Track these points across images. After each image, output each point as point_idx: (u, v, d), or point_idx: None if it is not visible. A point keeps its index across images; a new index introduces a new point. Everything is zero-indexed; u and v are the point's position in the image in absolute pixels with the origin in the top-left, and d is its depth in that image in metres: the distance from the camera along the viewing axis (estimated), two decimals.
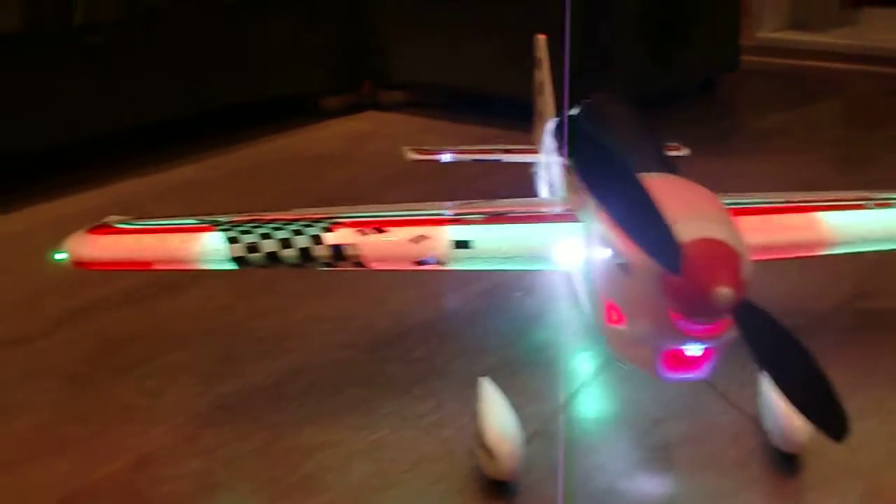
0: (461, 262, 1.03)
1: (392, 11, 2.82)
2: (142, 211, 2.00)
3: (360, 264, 1.03)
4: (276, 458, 1.12)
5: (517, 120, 1.94)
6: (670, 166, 1.03)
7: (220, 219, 1.10)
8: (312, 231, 1.05)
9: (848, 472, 1.05)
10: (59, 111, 2.23)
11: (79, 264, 1.05)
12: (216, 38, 2.54)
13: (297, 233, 1.05)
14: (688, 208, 0.84)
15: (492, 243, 1.03)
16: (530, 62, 2.54)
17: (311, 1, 2.72)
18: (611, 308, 0.89)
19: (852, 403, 0.80)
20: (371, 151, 2.45)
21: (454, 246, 1.03)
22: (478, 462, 1.05)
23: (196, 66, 2.50)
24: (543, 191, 1.52)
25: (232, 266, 1.04)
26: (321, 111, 2.83)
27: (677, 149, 1.82)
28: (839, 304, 1.49)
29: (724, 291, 0.76)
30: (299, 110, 2.80)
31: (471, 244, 1.02)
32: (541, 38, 1.88)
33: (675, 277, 0.78)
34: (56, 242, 1.06)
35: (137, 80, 2.38)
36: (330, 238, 1.04)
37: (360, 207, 1.18)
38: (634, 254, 0.82)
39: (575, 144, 0.78)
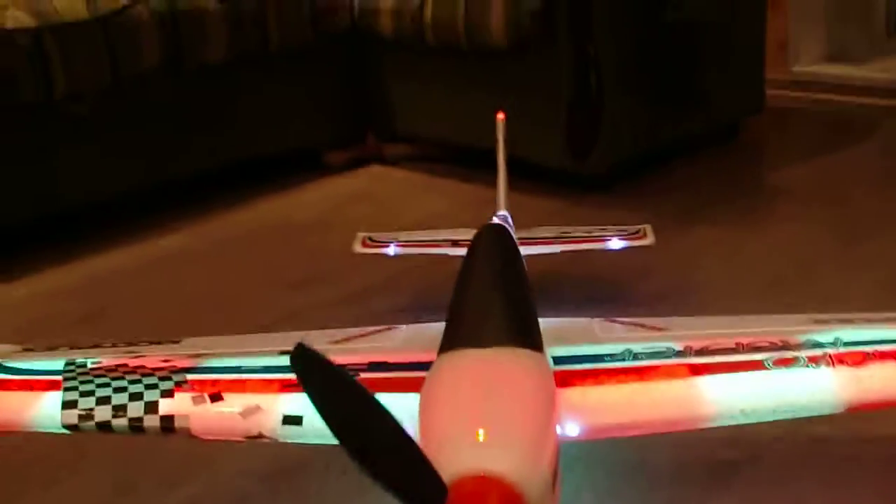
0: (292, 439, 0.96)
1: (394, 64, 2.77)
2: (116, 290, 2.05)
3: (192, 436, 0.99)
4: None
5: (519, 178, 1.90)
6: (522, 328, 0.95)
7: (80, 362, 1.08)
8: (153, 394, 1.01)
9: None
10: (40, 182, 2.24)
11: None
12: (208, 98, 2.53)
13: (137, 397, 1.01)
14: (473, 421, 0.76)
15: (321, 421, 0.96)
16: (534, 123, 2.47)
17: (308, 55, 2.68)
18: None
19: None
20: (354, 218, 2.39)
21: (283, 422, 0.96)
22: None
23: (189, 127, 2.49)
24: None
25: (66, 431, 1.01)
26: (325, 166, 2.79)
27: (640, 237, 1.71)
28: None
29: None
30: (303, 166, 2.76)
31: (303, 420, 0.96)
32: (499, 117, 1.80)
33: None
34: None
35: (126, 147, 2.38)
36: (164, 407, 0.99)
37: (238, 343, 1.17)
38: None
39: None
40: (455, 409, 0.80)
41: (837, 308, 1.68)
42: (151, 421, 0.99)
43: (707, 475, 1.22)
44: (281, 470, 1.32)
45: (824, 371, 0.97)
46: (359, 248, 1.74)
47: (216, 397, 1.00)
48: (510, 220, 1.60)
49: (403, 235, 1.79)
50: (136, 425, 0.99)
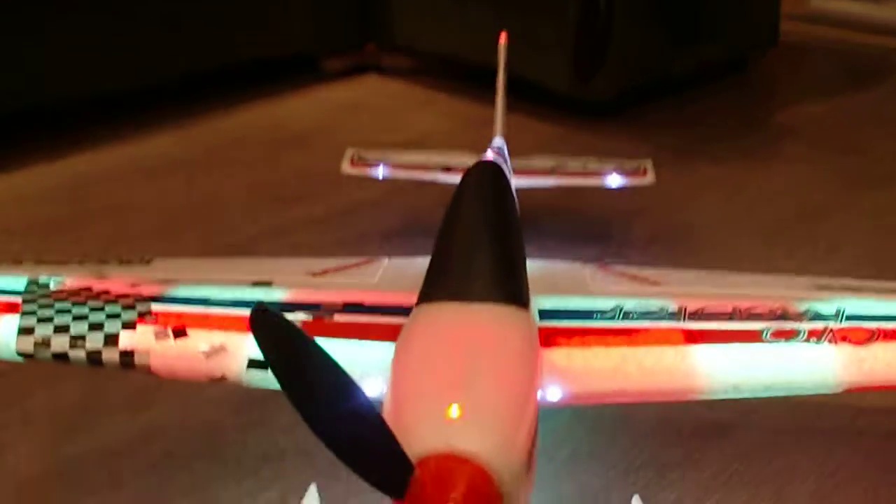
0: (256, 384, 0.91)
1: None
2: (96, 196, 1.97)
3: (151, 373, 0.93)
4: None
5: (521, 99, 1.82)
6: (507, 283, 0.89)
7: (43, 281, 1.04)
8: (114, 325, 0.96)
9: None
10: (22, 74, 2.15)
11: None
12: None
13: (97, 327, 0.95)
14: (445, 392, 0.71)
15: None
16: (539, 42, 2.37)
17: None
18: None
19: None
20: (347, 131, 2.31)
21: (248, 366, 0.91)
22: None
23: (181, 23, 2.38)
24: None
25: (19, 359, 0.95)
26: (321, 73, 2.70)
27: (640, 175, 1.63)
28: None
29: None
30: (298, 71, 2.66)
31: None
32: (501, 39, 1.71)
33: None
34: None
35: (114, 42, 2.28)
36: (124, 340, 0.94)
37: (210, 268, 1.16)
38: None
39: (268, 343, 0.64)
40: (428, 375, 0.74)
41: (836, 258, 1.65)
42: (110, 354, 0.93)
43: (693, 435, 1.18)
44: (250, 399, 1.28)
45: (825, 348, 0.91)
46: (347, 168, 1.66)
47: (180, 332, 0.95)
48: (506, 150, 1.53)
49: (394, 156, 1.71)
50: (94, 358, 0.93)
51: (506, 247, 0.96)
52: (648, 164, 1.68)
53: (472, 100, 2.44)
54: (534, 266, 1.06)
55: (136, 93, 2.37)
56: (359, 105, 2.53)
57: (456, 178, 1.58)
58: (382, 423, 0.64)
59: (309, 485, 0.95)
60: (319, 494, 0.89)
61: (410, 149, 2.14)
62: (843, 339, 0.92)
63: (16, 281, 1.05)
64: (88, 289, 1.04)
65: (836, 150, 2.19)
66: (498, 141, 1.54)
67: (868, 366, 0.90)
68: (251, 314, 0.62)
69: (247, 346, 0.92)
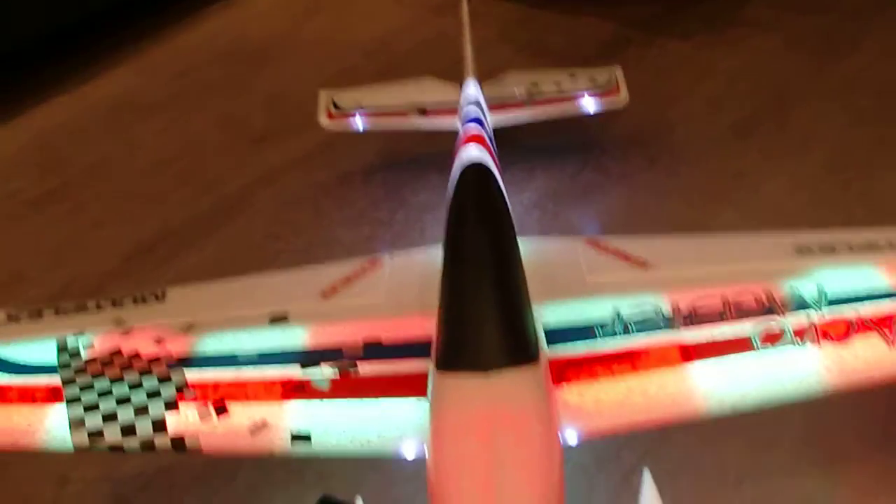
0: (302, 454, 1.00)
1: None
2: (65, 157, 1.95)
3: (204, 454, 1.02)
4: None
5: None
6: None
7: (72, 347, 1.11)
8: (158, 406, 1.03)
9: None
10: None
11: None
12: None
13: (142, 412, 1.03)
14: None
15: (333, 437, 0.99)
16: None
17: None
18: None
19: None
20: (310, 39, 2.27)
21: (292, 440, 0.99)
22: None
23: None
24: None
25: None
26: None
27: (613, 92, 1.66)
28: None
29: None
30: None
31: (311, 438, 0.99)
32: None
33: None
34: None
35: None
36: (172, 425, 1.02)
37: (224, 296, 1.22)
38: None
39: None
40: (462, 485, 0.82)
41: (809, 153, 1.71)
42: (162, 441, 1.01)
43: None
44: None
45: (810, 351, 1.00)
46: (324, 121, 1.68)
47: (221, 409, 1.02)
48: (482, 97, 1.55)
49: (368, 97, 1.72)
50: (147, 446, 1.01)
51: (512, 292, 1.02)
52: (619, 73, 1.70)
53: None
54: (529, 251, 1.12)
55: (74, 29, 2.28)
56: (314, 5, 2.46)
57: (432, 122, 1.63)
58: None
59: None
60: None
61: (376, 55, 2.15)
62: (825, 335, 1.01)
63: (46, 348, 1.12)
64: (119, 352, 1.11)
65: (800, 9, 2.18)
66: (472, 90, 1.56)
67: (850, 366, 0.99)
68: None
69: (287, 419, 1.00)
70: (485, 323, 0.97)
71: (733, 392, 0.98)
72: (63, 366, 1.10)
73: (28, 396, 1.07)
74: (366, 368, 1.05)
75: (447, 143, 1.46)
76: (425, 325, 1.07)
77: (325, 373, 1.04)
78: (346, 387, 1.03)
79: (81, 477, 1.27)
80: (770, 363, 1.00)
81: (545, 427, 0.89)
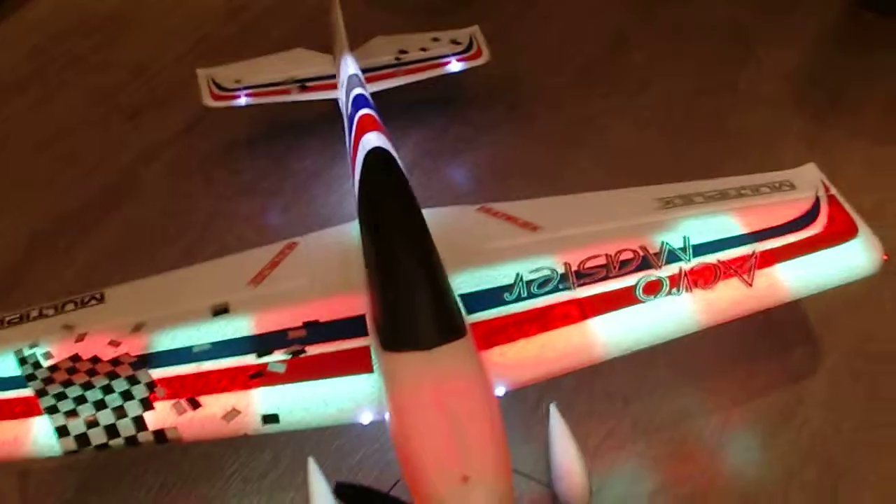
0: (273, 432, 1.15)
1: None
2: None
3: (186, 443, 1.15)
4: None
5: None
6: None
7: (31, 358, 1.21)
8: (134, 407, 1.15)
9: None
10: None
11: None
12: None
13: (121, 413, 1.15)
14: (462, 451, 0.98)
15: (299, 415, 1.14)
16: None
17: None
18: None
19: None
20: (157, 6, 2.30)
21: (263, 421, 1.14)
22: None
23: None
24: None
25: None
26: None
27: (477, 55, 1.82)
28: None
29: None
30: None
31: (279, 418, 1.14)
32: None
33: None
34: None
35: None
36: (151, 421, 1.14)
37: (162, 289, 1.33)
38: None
39: None
40: (431, 447, 1.00)
41: (647, 96, 1.92)
42: (146, 437, 1.13)
43: None
44: None
45: (684, 298, 1.23)
46: (209, 101, 1.76)
47: (194, 403, 1.15)
48: (361, 75, 1.67)
49: (245, 74, 1.80)
50: (132, 442, 1.13)
51: (436, 274, 1.19)
52: (478, 34, 1.87)
53: None
54: (429, 224, 1.29)
55: None
56: None
57: (315, 96, 1.74)
58: None
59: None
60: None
61: (233, 17, 2.21)
62: (695, 283, 1.24)
63: (3, 361, 1.21)
64: (78, 357, 1.21)
65: None
66: (351, 66, 1.68)
67: (716, 307, 1.22)
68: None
69: (255, 404, 1.14)
70: (420, 307, 1.14)
71: (627, 338, 1.20)
72: (29, 378, 1.19)
73: (6, 411, 1.16)
74: (313, 350, 1.20)
75: (322, 107, 1.68)
76: (353, 304, 1.23)
77: (278, 358, 1.19)
78: (300, 368, 1.18)
79: (42, 467, 1.36)
80: (653, 311, 1.22)
81: (482, 386, 1.08)
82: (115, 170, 1.85)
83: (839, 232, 1.30)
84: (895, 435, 1.33)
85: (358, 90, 1.58)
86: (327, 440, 1.35)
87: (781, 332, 1.45)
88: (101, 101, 2.02)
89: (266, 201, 1.76)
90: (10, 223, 1.75)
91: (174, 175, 1.83)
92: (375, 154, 1.35)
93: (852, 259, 1.27)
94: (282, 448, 1.37)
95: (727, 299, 1.23)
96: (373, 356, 1.17)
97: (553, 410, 1.21)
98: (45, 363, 1.21)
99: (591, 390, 1.39)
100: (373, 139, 1.38)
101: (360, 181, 1.33)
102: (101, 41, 2.20)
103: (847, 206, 1.34)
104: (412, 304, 1.14)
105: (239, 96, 1.75)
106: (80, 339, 1.24)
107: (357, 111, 1.50)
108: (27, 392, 1.18)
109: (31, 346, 1.23)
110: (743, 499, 1.27)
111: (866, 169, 1.70)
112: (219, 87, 1.77)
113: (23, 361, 1.22)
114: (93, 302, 1.31)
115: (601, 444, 1.33)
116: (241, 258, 1.38)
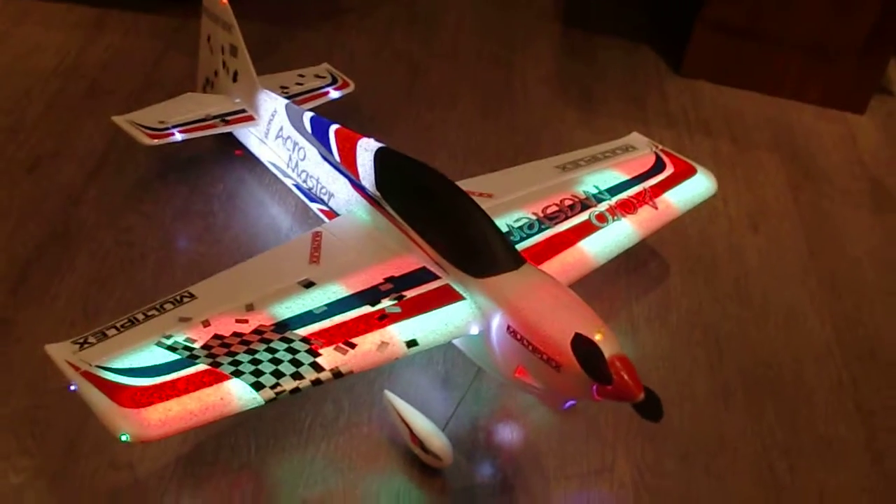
0: (413, 353, 1.46)
1: None
2: None
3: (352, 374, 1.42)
4: None
5: None
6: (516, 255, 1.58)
7: (182, 344, 1.38)
8: (306, 357, 1.38)
9: None
10: None
11: (146, 441, 1.28)
12: None
13: (297, 363, 1.37)
14: (585, 319, 1.41)
15: (430, 336, 1.48)
16: None
17: None
18: (522, 370, 1.45)
19: None
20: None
21: (407, 346, 1.46)
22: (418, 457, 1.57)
23: None
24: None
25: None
26: None
27: (345, 84, 2.24)
28: None
29: (642, 395, 1.36)
30: None
31: (419, 342, 1.47)
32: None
33: (607, 387, 1.39)
34: None
35: None
36: (326, 363, 1.39)
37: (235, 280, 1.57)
38: (567, 361, 1.38)
39: None
40: (549, 318, 1.42)
41: None
42: (326, 376, 1.38)
43: None
44: None
45: (624, 221, 1.80)
46: (148, 140, 1.94)
47: (350, 344, 1.42)
48: (291, 104, 2.01)
49: (162, 115, 2.01)
50: (317, 383, 1.37)
51: (486, 215, 1.62)
52: (331, 68, 2.29)
53: None
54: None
55: None
56: None
57: (235, 127, 2.04)
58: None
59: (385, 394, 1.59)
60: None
61: (75, 75, 2.35)
62: (624, 212, 1.81)
63: (152, 354, 1.35)
64: (220, 336, 1.40)
65: None
66: (273, 96, 2.01)
67: (644, 225, 1.81)
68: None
69: (396, 335, 1.45)
70: (497, 242, 1.58)
71: (605, 251, 1.74)
72: (192, 357, 1.36)
73: (198, 383, 1.32)
74: (409, 294, 1.54)
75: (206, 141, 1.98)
76: (409, 261, 1.60)
77: (389, 303, 1.52)
78: (411, 306, 1.50)
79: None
80: (609, 232, 1.77)
81: (560, 283, 1.53)
82: (46, 218, 1.95)
83: (684, 171, 1.96)
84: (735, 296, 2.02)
85: (308, 113, 1.92)
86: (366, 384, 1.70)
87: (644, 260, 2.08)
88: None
89: (206, 221, 1.98)
90: None
91: (106, 212, 1.97)
92: (384, 151, 1.73)
93: (702, 185, 1.94)
94: (337, 398, 1.68)
95: (647, 219, 1.83)
96: (458, 288, 1.53)
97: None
98: (196, 345, 1.37)
99: None
100: (371, 142, 1.76)
101: (379, 173, 1.70)
102: None
103: (678, 155, 2.00)
104: (492, 241, 1.57)
105: (173, 133, 1.96)
106: (207, 324, 1.42)
107: (327, 127, 1.83)
108: (202, 367, 1.32)
109: (167, 338, 1.38)
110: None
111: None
112: (148, 128, 1.98)
113: (171, 348, 1.36)
114: (187, 299, 1.48)
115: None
116: (285, 249, 1.65)
